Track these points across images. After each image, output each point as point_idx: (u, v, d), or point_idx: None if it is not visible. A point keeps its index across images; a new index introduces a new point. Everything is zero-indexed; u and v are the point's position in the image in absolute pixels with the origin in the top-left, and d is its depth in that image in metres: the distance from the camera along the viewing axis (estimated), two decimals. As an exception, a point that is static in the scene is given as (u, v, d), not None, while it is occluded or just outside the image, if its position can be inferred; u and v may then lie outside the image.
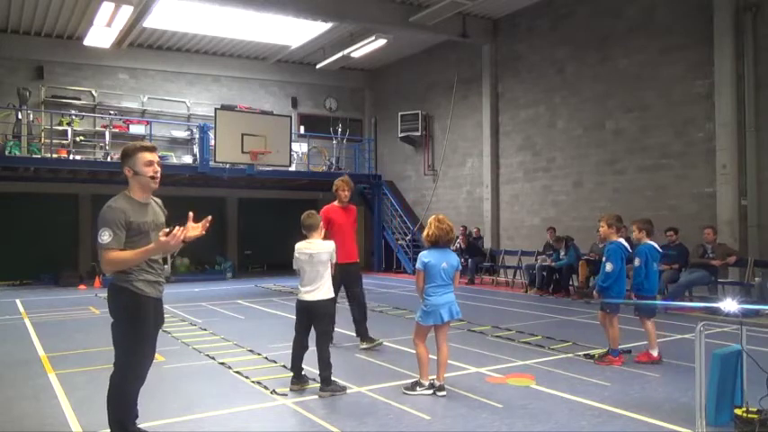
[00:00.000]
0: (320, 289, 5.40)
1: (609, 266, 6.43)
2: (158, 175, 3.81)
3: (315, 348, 5.39)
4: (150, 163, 3.78)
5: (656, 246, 6.76)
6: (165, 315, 4.12)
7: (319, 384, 5.33)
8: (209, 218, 3.86)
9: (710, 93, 11.24)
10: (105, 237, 3.62)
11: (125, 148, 3.88)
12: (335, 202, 7.44)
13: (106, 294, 3.89)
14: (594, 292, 6.82)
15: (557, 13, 14.41)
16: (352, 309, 7.36)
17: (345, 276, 7.07)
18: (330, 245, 5.57)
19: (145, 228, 3.76)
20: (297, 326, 5.56)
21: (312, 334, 5.49)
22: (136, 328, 3.74)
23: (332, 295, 5.50)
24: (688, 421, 4.31)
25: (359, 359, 6.70)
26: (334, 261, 5.56)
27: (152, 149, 3.85)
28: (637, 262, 6.62)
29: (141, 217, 3.76)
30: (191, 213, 3.83)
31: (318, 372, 5.36)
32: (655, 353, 6.41)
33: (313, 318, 5.45)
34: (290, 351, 5.54)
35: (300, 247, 5.52)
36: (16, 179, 15.75)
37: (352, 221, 7.48)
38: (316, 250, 5.44)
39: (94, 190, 16.61)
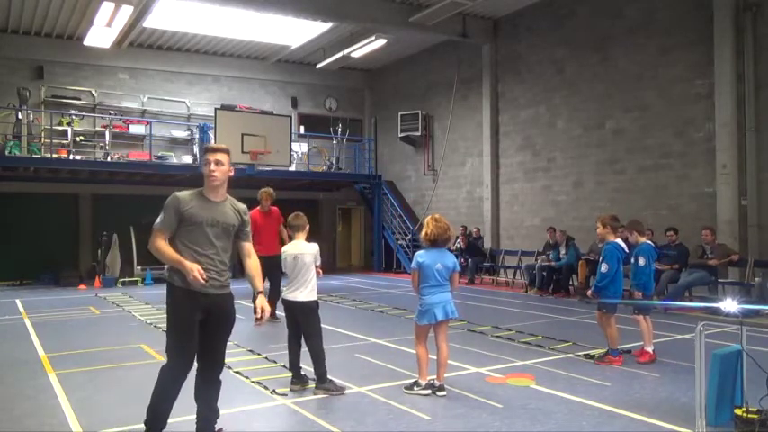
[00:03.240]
0: (302, 289, 5.42)
1: (604, 267, 6.48)
2: (214, 174, 3.93)
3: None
4: (207, 162, 3.97)
5: (653, 245, 6.96)
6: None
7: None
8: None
9: (710, 93, 11.24)
10: (158, 219, 3.88)
11: (209, 146, 4.14)
12: (258, 208, 9.15)
13: None
14: (589, 292, 6.86)
15: (557, 13, 14.40)
16: (270, 289, 8.79)
17: (267, 265, 8.25)
18: (314, 246, 5.59)
19: (197, 220, 3.88)
20: (287, 324, 5.60)
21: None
22: (174, 318, 3.92)
23: (314, 297, 5.50)
24: (688, 421, 4.31)
25: (359, 359, 6.70)
26: (319, 263, 5.59)
27: (212, 150, 4.00)
28: (642, 261, 6.66)
29: (198, 210, 3.90)
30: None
31: (313, 369, 5.39)
32: (650, 349, 6.46)
33: (298, 317, 5.47)
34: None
35: (286, 248, 5.60)
36: (16, 179, 15.74)
37: (272, 223, 9.25)
38: (300, 251, 5.50)
39: (94, 190, 16.63)
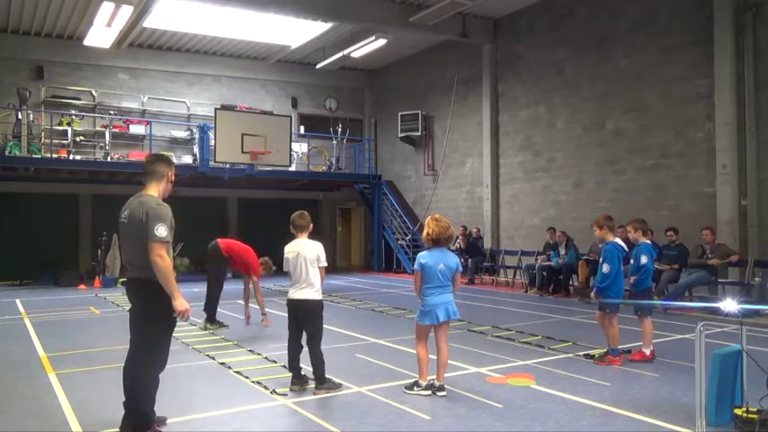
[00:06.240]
0: (306, 288, 5.41)
1: (606, 267, 6.46)
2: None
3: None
4: (175, 176, 4.52)
5: (651, 245, 7.00)
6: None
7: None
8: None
9: (710, 93, 11.24)
10: (163, 231, 4.06)
11: (169, 157, 4.68)
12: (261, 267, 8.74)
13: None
14: (592, 294, 6.84)
15: (557, 13, 14.40)
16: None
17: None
18: (318, 245, 5.56)
19: (173, 225, 4.27)
20: (289, 325, 5.59)
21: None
22: (170, 321, 4.31)
23: (319, 297, 5.48)
24: (688, 421, 4.31)
25: (359, 359, 6.70)
26: (323, 265, 5.53)
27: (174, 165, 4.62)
28: (644, 259, 6.65)
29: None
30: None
31: (312, 371, 5.39)
32: (647, 351, 6.45)
33: (300, 317, 5.46)
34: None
35: (289, 247, 5.56)
36: (16, 179, 15.75)
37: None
38: (303, 249, 5.47)
39: (94, 190, 16.63)
